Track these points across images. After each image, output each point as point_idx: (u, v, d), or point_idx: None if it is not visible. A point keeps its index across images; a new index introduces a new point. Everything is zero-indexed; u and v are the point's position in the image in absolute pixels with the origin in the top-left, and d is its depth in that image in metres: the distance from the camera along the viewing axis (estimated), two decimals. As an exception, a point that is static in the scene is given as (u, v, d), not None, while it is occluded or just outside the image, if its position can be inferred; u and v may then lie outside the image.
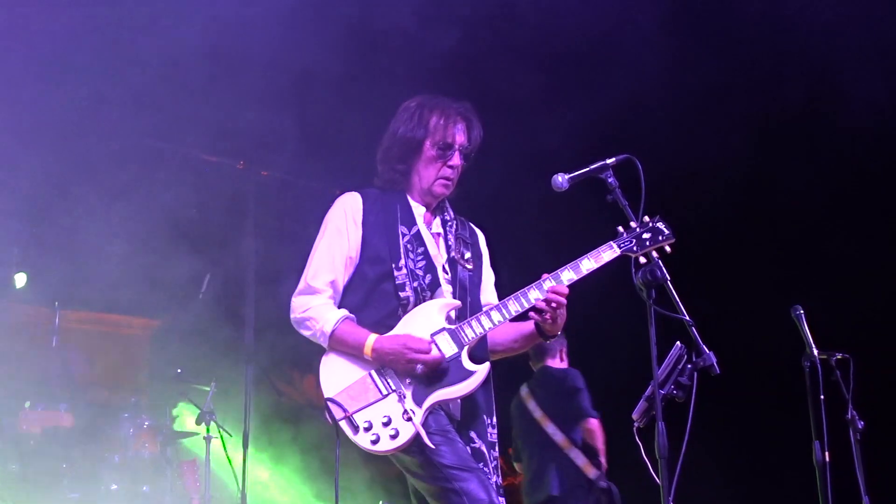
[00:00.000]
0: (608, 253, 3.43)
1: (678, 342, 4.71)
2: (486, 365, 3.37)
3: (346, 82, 7.26)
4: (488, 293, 3.71)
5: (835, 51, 7.13)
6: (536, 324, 3.50)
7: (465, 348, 3.35)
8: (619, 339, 6.88)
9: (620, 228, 3.46)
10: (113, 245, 8.56)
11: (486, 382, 3.40)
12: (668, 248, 3.43)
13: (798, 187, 8.30)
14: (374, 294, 3.45)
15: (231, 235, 8.20)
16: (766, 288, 8.31)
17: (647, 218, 3.44)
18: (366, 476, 8.79)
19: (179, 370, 7.23)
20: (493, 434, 3.48)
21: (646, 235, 3.42)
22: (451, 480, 3.19)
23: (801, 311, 5.73)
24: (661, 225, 3.44)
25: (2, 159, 7.12)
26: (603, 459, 6.65)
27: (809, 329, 5.75)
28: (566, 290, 3.39)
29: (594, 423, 6.69)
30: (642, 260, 3.40)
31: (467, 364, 3.34)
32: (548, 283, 3.39)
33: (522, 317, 3.49)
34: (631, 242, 3.43)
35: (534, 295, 3.39)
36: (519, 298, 3.40)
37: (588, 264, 3.42)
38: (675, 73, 7.49)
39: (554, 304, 3.36)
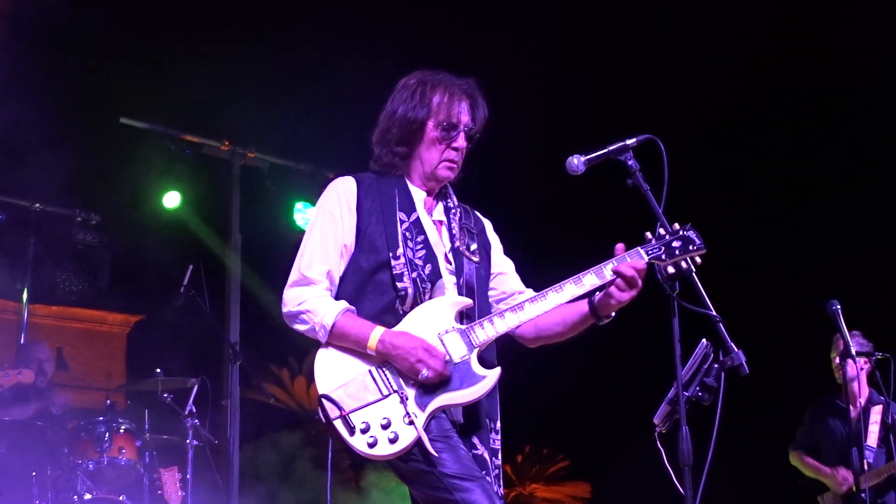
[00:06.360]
0: (635, 259, 3.38)
1: (704, 339, 4.71)
2: (497, 370, 3.35)
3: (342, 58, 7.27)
4: (512, 281, 3.68)
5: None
6: (591, 305, 3.44)
7: (475, 351, 3.33)
8: (640, 335, 6.87)
9: (648, 234, 3.42)
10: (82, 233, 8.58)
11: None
12: (698, 259, 3.37)
13: (834, 178, 8.29)
14: (369, 285, 3.41)
15: (215, 222, 8.21)
16: (801, 281, 8.31)
17: (677, 225, 3.39)
18: (358, 481, 8.79)
19: (159, 370, 7.23)
20: (496, 440, 3.46)
21: (676, 244, 3.37)
22: (453, 491, 3.16)
23: (839, 307, 5.68)
24: (692, 234, 3.39)
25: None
26: None
27: (847, 326, 5.70)
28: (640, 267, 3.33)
29: None
30: (671, 270, 3.34)
31: (477, 368, 3.31)
32: (568, 286, 3.37)
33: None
34: (660, 250, 3.38)
35: (554, 297, 3.37)
36: (536, 301, 3.38)
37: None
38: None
39: (629, 276, 3.31)
